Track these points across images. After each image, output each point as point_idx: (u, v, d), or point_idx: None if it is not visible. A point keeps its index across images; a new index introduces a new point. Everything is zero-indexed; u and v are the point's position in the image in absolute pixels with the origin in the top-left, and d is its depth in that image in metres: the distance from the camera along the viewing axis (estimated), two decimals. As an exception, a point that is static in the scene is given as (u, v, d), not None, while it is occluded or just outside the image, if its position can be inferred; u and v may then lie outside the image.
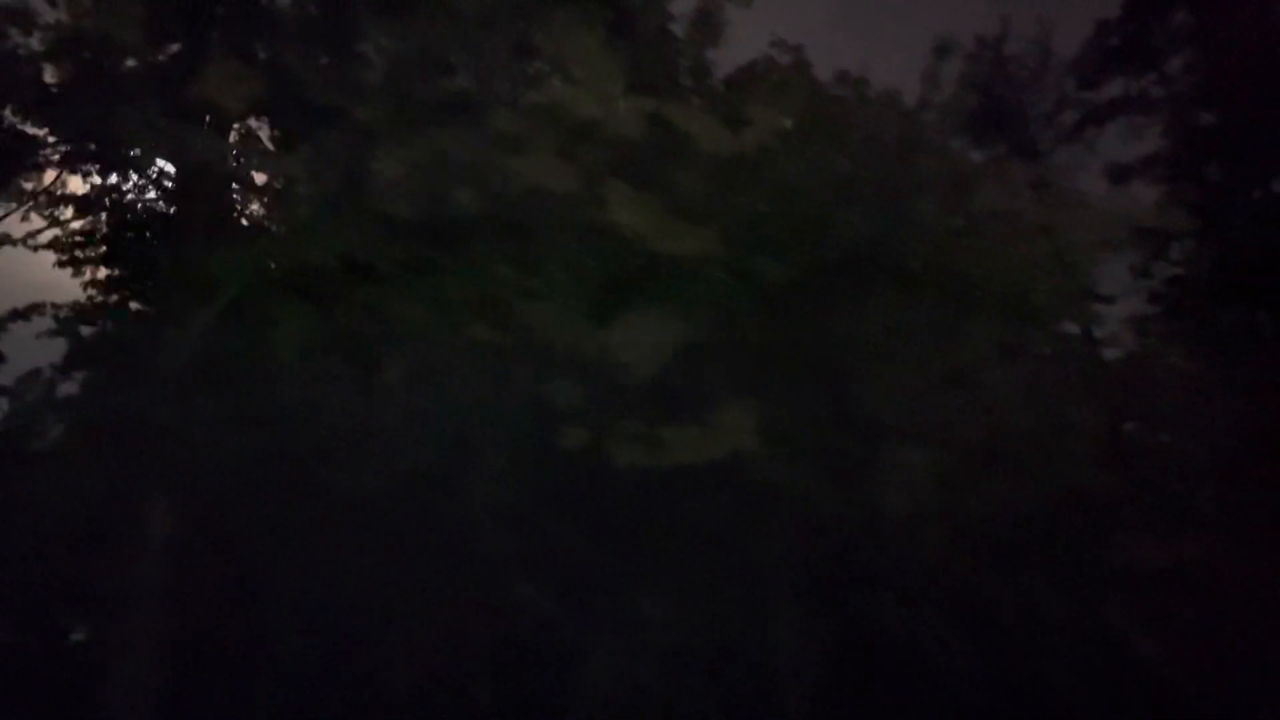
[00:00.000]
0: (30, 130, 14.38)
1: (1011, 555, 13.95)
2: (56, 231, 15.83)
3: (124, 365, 16.21)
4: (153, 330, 12.39)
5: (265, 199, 12.47)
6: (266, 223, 12.42)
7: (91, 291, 19.44)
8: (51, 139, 14.78)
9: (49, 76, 12.42)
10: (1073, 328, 16.83)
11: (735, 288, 12.15)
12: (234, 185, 11.99)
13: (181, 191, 11.70)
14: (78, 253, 16.61)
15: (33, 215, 15.72)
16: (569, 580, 15.73)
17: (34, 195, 15.40)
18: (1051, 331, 15.10)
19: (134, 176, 15.95)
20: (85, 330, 23.31)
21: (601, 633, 15.91)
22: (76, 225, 16.67)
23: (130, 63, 10.64)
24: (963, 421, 13.42)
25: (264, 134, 12.97)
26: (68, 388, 15.52)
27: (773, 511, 14.00)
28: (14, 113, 13.07)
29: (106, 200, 15.44)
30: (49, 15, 11.03)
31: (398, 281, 12.04)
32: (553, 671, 16.44)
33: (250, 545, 13.01)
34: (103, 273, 18.19)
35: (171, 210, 15.86)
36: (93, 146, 14.19)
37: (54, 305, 25.97)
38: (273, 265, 11.76)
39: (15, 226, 16.21)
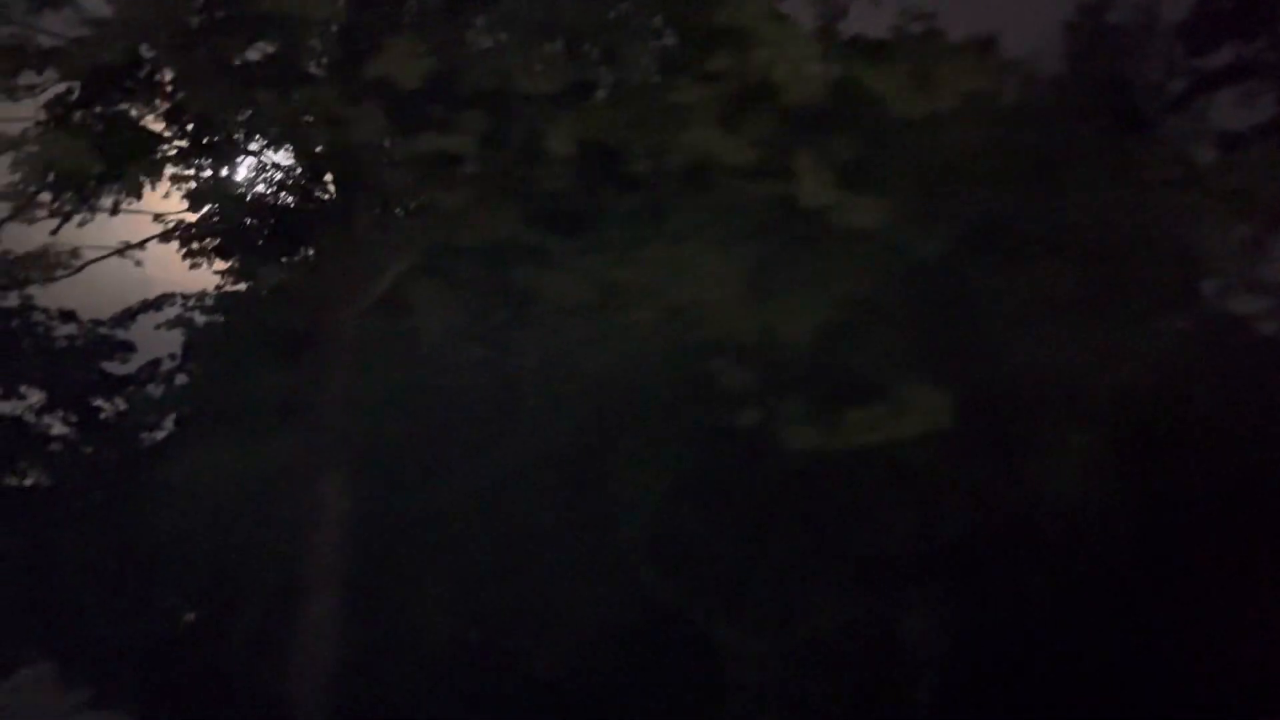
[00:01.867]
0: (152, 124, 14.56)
1: (1182, 541, 13.55)
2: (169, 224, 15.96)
3: (271, 349, 16.34)
4: (297, 313, 12.43)
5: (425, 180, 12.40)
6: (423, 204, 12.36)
7: (220, 281, 19.70)
8: (168, 132, 14.91)
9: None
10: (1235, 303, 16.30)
11: (896, 260, 11.91)
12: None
13: (345, 173, 11.66)
14: (194, 244, 16.75)
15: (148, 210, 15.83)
16: (705, 570, 15.61)
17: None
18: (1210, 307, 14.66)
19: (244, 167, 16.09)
20: (206, 318, 23.67)
21: (740, 625, 15.77)
22: (192, 218, 16.84)
23: (314, 43, 10.61)
24: (1129, 398, 13.12)
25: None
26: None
27: (930, 496, 13.74)
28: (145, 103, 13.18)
29: (222, 191, 15.51)
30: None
31: (552, 261, 11.93)
32: (687, 661, 16.36)
33: (405, 526, 13.06)
34: (219, 264, 18.41)
35: (291, 200, 15.90)
36: (211, 138, 14.28)
37: (183, 296, 26.39)
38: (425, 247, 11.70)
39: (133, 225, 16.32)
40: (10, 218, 12.62)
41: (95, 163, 9.85)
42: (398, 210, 11.99)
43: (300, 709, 10.78)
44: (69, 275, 13.18)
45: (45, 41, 12.24)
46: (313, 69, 10.97)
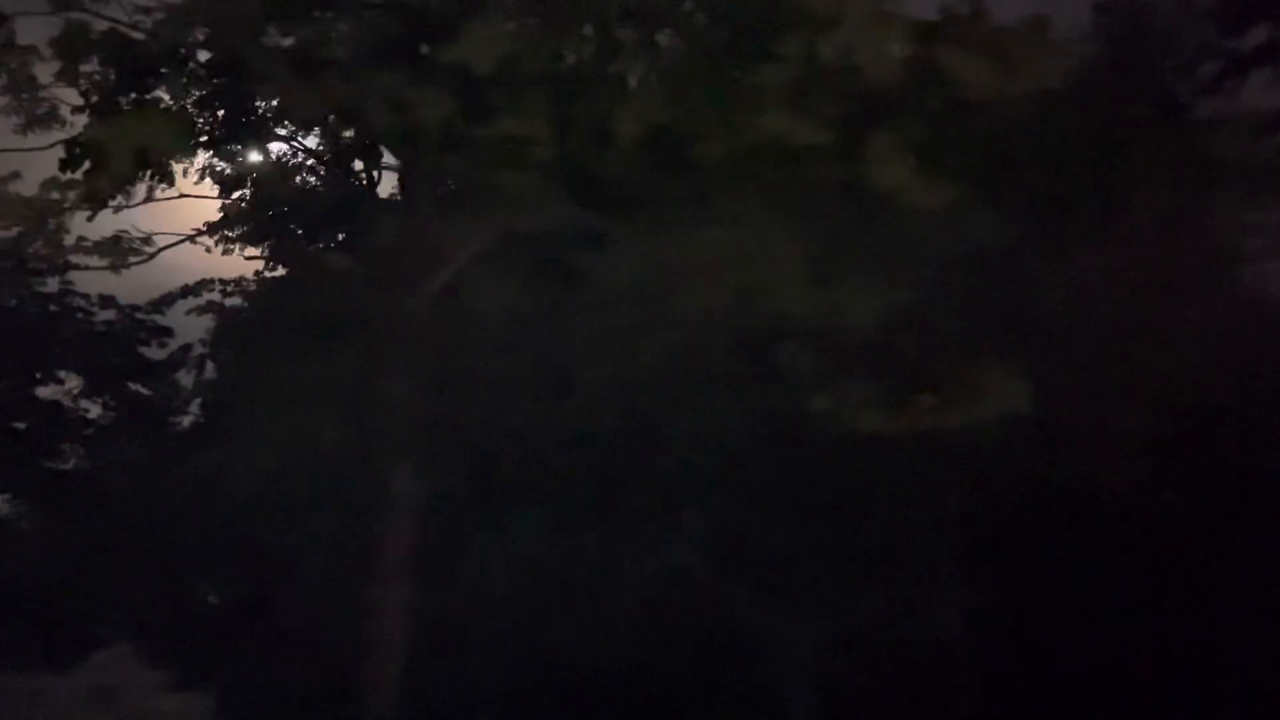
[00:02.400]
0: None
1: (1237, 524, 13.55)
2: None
3: (317, 333, 16.39)
4: (360, 298, 12.46)
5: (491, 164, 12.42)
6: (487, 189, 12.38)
7: (258, 268, 19.74)
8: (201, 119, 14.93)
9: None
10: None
11: (960, 243, 11.90)
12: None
13: (410, 159, 11.69)
14: (227, 231, 16.77)
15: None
16: (752, 557, 15.62)
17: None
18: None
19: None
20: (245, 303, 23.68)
21: (785, 613, 15.79)
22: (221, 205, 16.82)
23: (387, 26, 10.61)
24: (1181, 381, 13.10)
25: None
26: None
27: (987, 481, 13.72)
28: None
29: (267, 173, 15.49)
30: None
31: (613, 245, 11.97)
32: (732, 647, 16.39)
33: (466, 509, 13.13)
34: (250, 251, 18.41)
35: (320, 186, 15.86)
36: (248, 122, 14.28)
37: (221, 281, 26.43)
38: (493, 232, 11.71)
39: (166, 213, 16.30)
40: (72, 206, 12.67)
41: (185, 143, 9.82)
42: (461, 195, 11.99)
43: (375, 691, 10.87)
44: (142, 262, 13.20)
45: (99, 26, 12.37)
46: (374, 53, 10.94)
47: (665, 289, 12.12)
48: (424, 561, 11.30)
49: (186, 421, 25.05)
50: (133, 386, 27.13)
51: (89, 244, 12.64)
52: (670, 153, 10.88)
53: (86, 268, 14.54)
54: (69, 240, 13.27)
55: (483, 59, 9.70)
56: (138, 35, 11.28)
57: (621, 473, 13.82)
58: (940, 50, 9.34)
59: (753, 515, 13.92)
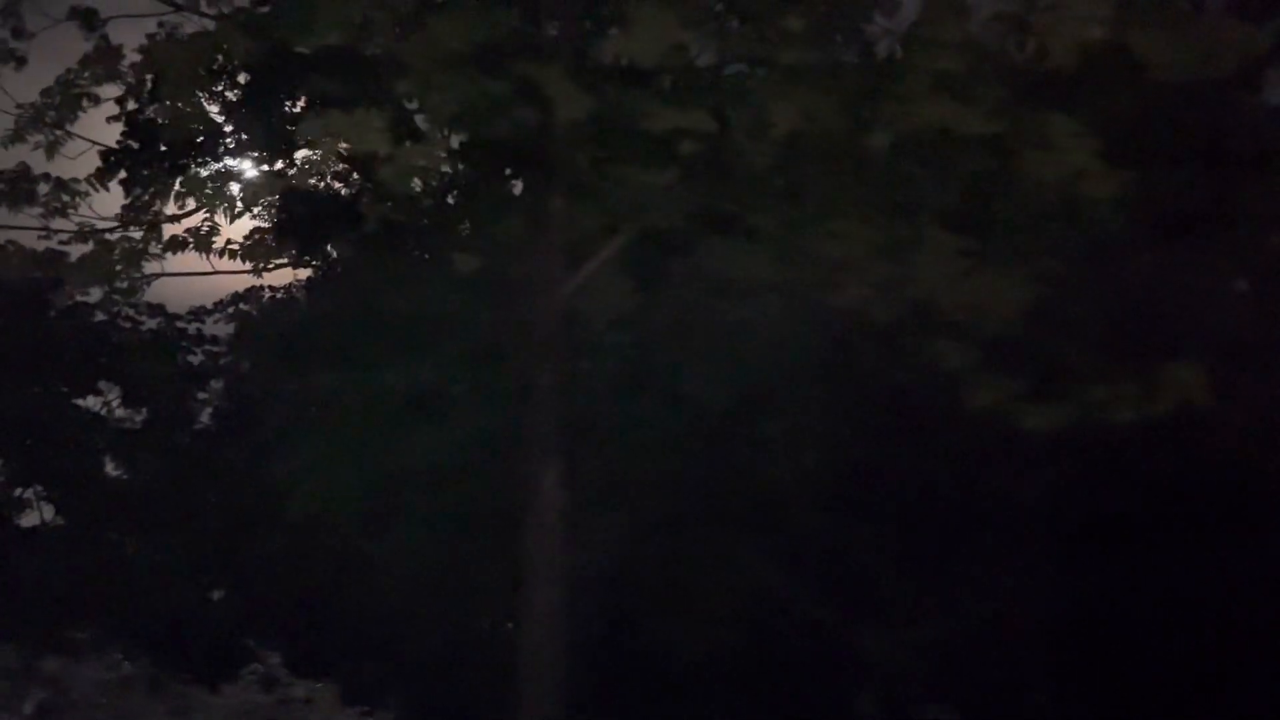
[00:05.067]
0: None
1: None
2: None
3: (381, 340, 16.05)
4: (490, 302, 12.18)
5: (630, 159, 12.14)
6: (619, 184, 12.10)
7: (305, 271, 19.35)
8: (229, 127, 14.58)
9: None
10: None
11: (1104, 235, 11.72)
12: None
13: (543, 157, 11.38)
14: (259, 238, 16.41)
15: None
16: (838, 566, 15.44)
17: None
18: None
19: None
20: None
21: (870, 621, 15.60)
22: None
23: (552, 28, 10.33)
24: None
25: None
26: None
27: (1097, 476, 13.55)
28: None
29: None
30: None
31: (751, 238, 11.72)
32: (815, 654, 16.19)
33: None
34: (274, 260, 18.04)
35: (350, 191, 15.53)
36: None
37: (270, 288, 26.01)
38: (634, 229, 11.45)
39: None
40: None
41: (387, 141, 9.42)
42: (596, 193, 11.68)
43: (529, 703, 10.59)
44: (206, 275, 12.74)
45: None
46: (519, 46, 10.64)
47: (807, 283, 11.90)
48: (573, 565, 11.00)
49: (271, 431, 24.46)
50: (179, 394, 26.88)
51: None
52: (823, 143, 10.66)
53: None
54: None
55: (650, 51, 9.42)
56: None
57: (758, 475, 13.60)
58: (1126, 32, 9.10)
59: (880, 521, 13.79)
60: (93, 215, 11.76)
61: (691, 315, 13.73)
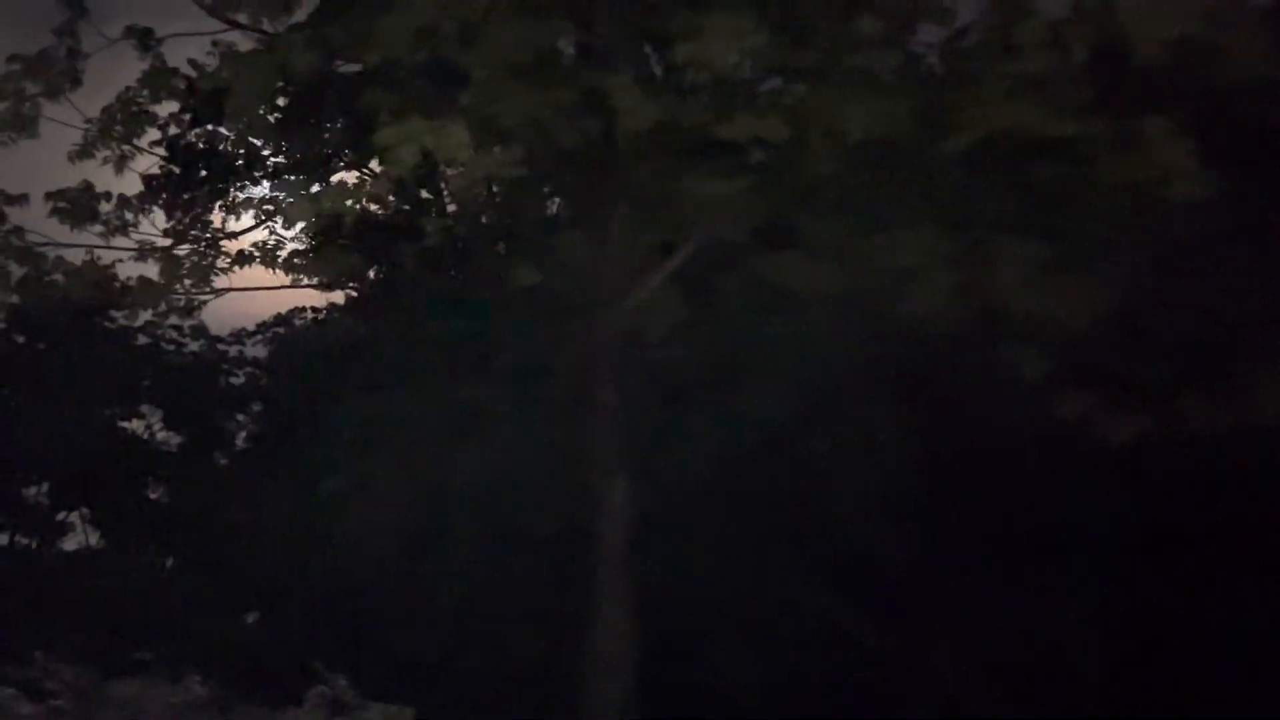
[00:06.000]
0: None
1: None
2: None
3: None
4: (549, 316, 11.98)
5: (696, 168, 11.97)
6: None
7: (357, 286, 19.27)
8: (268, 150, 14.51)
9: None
10: None
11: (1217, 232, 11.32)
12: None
13: (602, 167, 11.22)
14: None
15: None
16: (879, 580, 15.09)
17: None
18: None
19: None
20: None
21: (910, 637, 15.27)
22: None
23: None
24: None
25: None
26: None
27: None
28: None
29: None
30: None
31: (814, 248, 11.50)
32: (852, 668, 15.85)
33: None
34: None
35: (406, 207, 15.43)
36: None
37: (313, 309, 25.97)
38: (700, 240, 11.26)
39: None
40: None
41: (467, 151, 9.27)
42: (658, 204, 11.50)
43: (597, 713, 10.37)
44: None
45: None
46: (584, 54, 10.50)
47: (872, 293, 11.66)
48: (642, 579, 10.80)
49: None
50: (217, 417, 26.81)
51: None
52: (894, 149, 10.44)
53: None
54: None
55: (724, 55, 9.23)
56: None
57: (816, 493, 13.33)
58: (1216, 27, 8.84)
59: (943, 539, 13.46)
60: (153, 232, 11.74)
61: (746, 329, 13.50)
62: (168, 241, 11.74)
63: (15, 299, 25.00)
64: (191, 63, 11.80)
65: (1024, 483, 14.32)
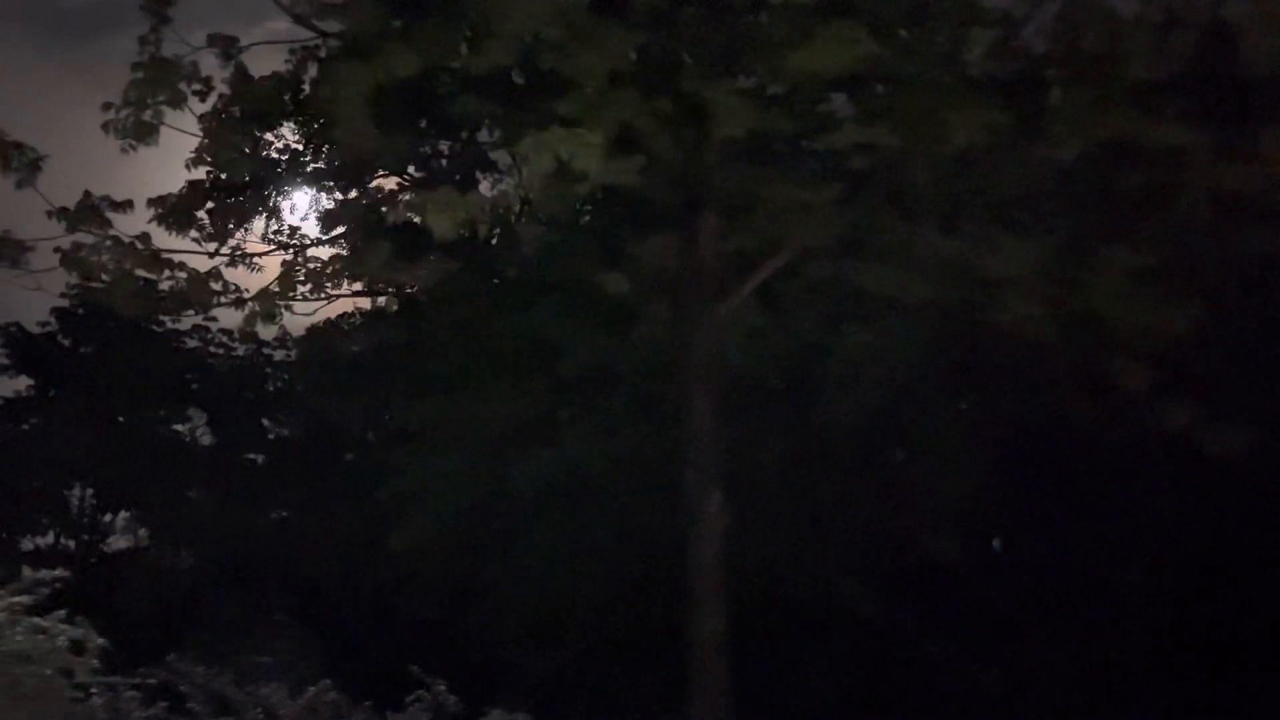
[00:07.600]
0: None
1: None
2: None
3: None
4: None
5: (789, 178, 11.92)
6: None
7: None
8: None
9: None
10: None
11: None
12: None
13: (695, 174, 11.14)
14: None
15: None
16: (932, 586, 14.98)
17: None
18: None
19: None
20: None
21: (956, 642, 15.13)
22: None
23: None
24: None
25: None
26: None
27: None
28: None
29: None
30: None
31: (908, 255, 11.42)
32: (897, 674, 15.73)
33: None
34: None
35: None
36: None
37: (360, 312, 25.93)
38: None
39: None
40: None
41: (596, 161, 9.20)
42: (752, 211, 11.42)
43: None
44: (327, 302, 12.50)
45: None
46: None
47: (965, 301, 11.59)
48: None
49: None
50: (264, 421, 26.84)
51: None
52: (995, 157, 10.37)
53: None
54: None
55: (835, 64, 9.15)
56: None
57: (892, 503, 13.24)
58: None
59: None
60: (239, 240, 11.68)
61: (826, 336, 13.43)
62: (265, 248, 11.69)
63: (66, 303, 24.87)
64: (277, 74, 11.68)
65: (1106, 496, 14.17)
